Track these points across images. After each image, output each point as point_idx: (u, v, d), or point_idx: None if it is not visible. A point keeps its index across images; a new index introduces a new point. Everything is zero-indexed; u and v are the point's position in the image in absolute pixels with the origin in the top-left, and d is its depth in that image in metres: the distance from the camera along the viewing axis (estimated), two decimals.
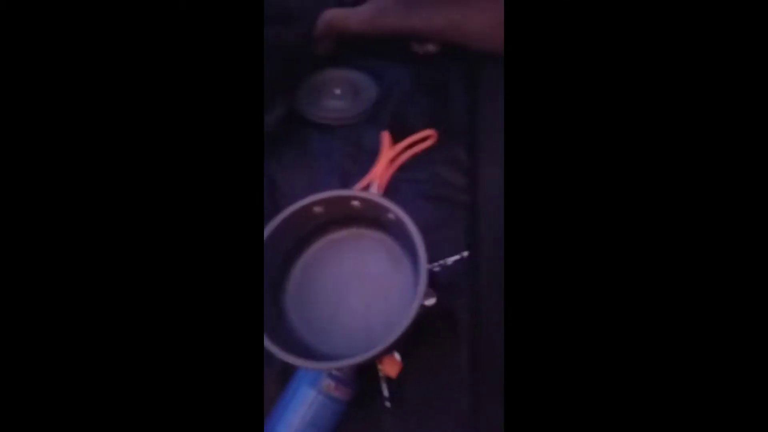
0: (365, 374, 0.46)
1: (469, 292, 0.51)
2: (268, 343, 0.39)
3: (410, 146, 0.58)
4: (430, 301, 0.50)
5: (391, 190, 0.59)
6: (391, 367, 0.45)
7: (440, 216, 0.56)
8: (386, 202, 0.45)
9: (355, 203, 0.46)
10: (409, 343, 0.48)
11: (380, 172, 0.53)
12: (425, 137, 0.59)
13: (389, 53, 0.69)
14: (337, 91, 0.66)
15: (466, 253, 0.48)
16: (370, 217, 0.48)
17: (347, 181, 0.58)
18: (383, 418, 0.47)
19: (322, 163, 0.61)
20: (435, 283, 0.53)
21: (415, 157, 0.60)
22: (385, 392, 0.45)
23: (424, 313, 0.50)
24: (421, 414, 0.46)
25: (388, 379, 0.46)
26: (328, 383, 0.44)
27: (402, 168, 0.60)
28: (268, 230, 0.45)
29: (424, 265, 0.41)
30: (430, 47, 0.69)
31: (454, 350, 0.48)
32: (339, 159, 0.61)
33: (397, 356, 0.47)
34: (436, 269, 0.47)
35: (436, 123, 0.62)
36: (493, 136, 0.57)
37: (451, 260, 0.47)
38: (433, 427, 0.45)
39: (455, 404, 0.46)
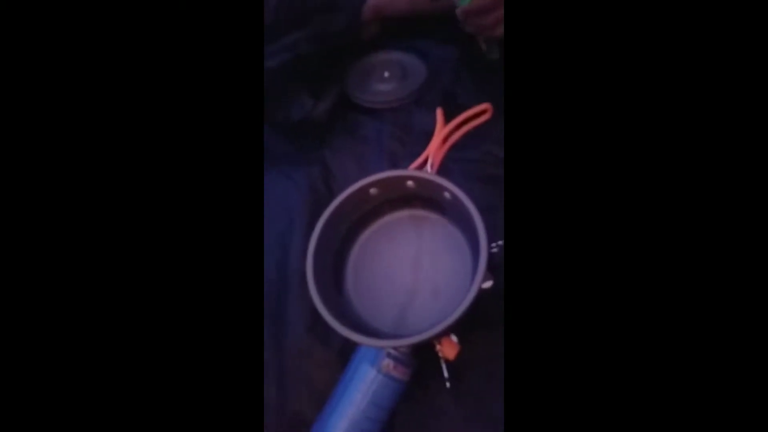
0: (423, 356, 0.46)
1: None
2: (332, 321, 0.40)
3: (464, 123, 0.56)
4: (488, 284, 0.49)
5: (442, 170, 0.58)
6: (450, 349, 0.45)
7: (493, 196, 0.55)
8: (442, 181, 0.44)
9: (410, 183, 0.46)
10: (466, 325, 0.48)
11: (435, 151, 0.52)
12: (480, 112, 0.57)
13: (435, 33, 0.68)
14: (386, 74, 0.65)
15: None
16: (425, 197, 0.47)
17: (396, 164, 0.57)
18: (442, 399, 0.46)
19: (372, 147, 0.61)
20: (491, 265, 0.52)
21: (467, 137, 0.59)
22: (445, 373, 0.45)
23: (481, 295, 0.49)
24: (478, 396, 0.46)
25: (446, 361, 0.45)
26: (387, 363, 0.44)
27: (453, 148, 0.59)
28: (326, 213, 0.45)
29: (484, 246, 0.40)
30: None
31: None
32: (388, 142, 0.61)
33: (454, 338, 0.46)
34: (494, 250, 0.46)
35: (485, 100, 0.60)
36: None
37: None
38: (490, 410, 0.45)
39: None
